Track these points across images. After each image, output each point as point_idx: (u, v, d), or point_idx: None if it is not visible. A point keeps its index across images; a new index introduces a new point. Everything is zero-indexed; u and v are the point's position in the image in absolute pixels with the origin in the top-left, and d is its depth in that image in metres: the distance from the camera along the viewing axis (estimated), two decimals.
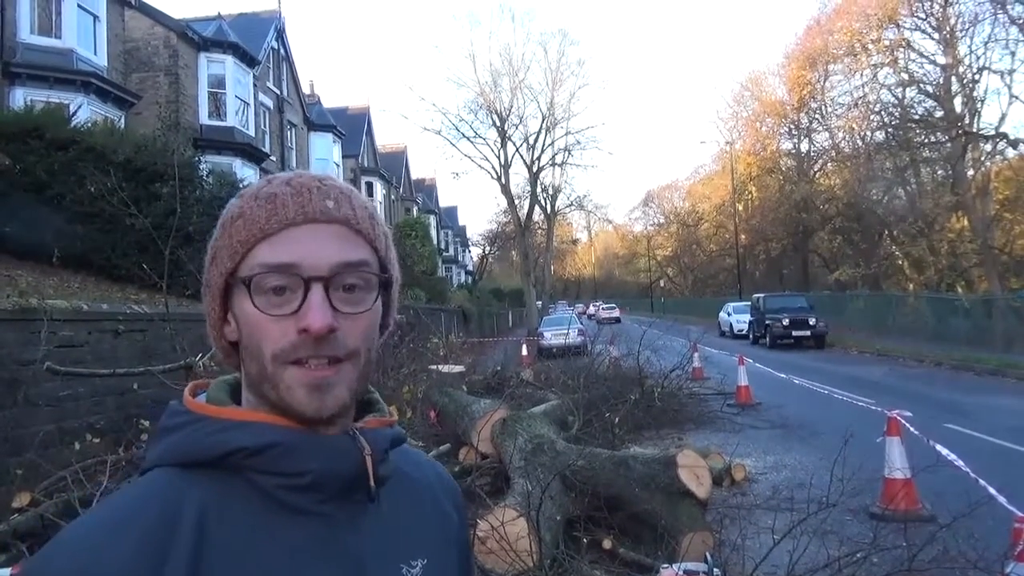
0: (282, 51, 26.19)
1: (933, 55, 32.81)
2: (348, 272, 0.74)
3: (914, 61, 33.62)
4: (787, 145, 46.88)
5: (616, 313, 52.67)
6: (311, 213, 0.75)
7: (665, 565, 3.93)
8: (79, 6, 14.65)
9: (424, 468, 0.91)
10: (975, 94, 30.98)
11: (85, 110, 13.57)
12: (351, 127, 32.96)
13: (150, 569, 0.65)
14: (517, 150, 38.89)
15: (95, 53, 15.27)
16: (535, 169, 39.14)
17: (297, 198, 0.75)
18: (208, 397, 0.80)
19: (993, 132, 30.54)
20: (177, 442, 0.74)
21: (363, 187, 32.75)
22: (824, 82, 39.51)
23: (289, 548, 0.71)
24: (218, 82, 19.82)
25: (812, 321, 23.20)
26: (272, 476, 0.73)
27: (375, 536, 0.77)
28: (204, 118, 19.44)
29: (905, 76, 33.77)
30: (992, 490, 4.76)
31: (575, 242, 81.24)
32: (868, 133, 36.96)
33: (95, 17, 15.35)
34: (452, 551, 0.88)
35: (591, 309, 55.83)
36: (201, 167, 11.94)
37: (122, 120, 15.20)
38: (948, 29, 31.02)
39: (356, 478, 0.75)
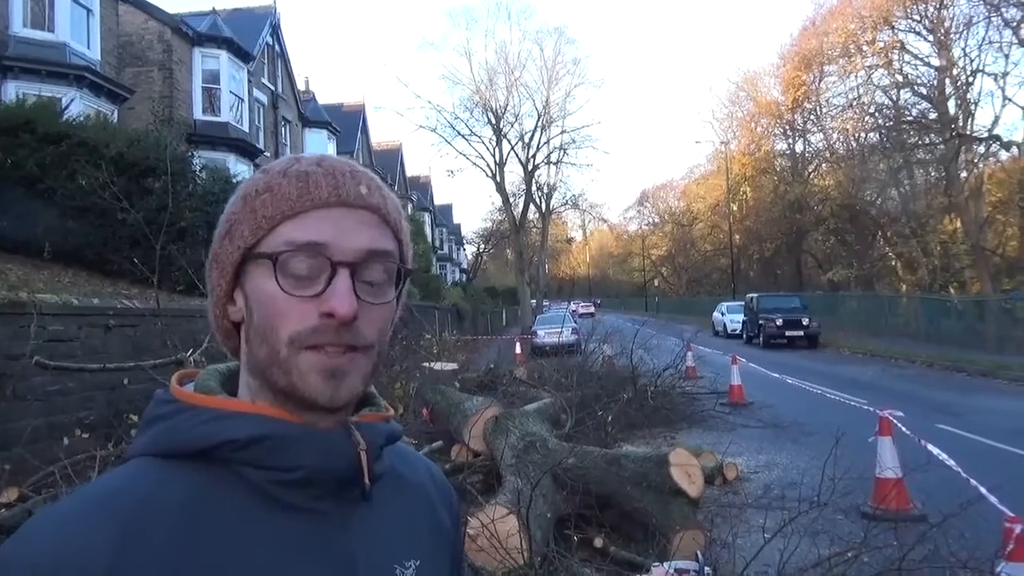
0: (277, 47, 26.11)
1: (927, 57, 32.99)
2: (375, 261, 0.72)
3: (908, 63, 33.80)
4: (782, 146, 47.09)
5: (591, 310, 60.27)
6: (344, 196, 0.72)
7: (656, 563, 3.92)
8: (72, 0, 14.57)
9: (418, 468, 0.88)
10: (969, 96, 31.14)
11: (78, 104, 13.48)
12: (346, 124, 32.91)
13: (126, 557, 0.62)
14: (512, 148, 38.93)
15: (88, 47, 15.20)
16: (530, 167, 39.15)
17: (330, 179, 0.72)
18: (197, 386, 0.76)
19: (986, 134, 30.73)
20: (163, 432, 0.71)
21: None
22: (819, 83, 39.63)
23: (277, 545, 0.68)
24: (212, 77, 19.75)
25: (805, 321, 23.29)
26: (262, 470, 0.69)
27: (367, 535, 0.74)
28: (198, 113, 19.38)
29: (899, 78, 33.92)
30: (983, 490, 4.76)
31: (570, 241, 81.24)
32: (862, 134, 37.13)
33: (88, 11, 15.28)
34: (445, 554, 0.85)
35: (572, 306, 58.65)
36: (195, 162, 11.90)
37: (115, 114, 15.13)
38: (942, 31, 31.13)
39: (350, 474, 0.72)
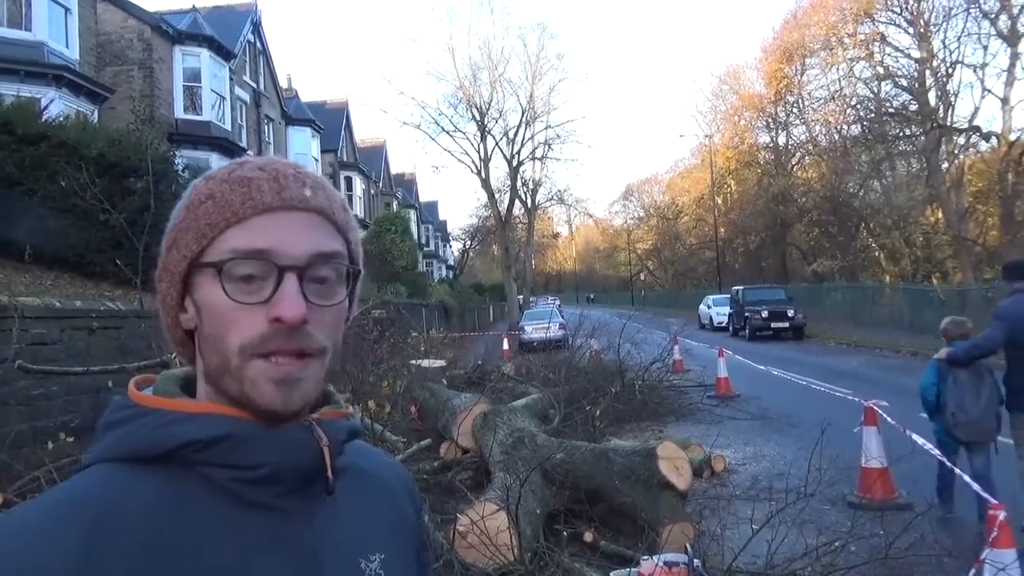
0: (258, 44, 25.91)
1: (908, 49, 33.29)
2: (322, 263, 0.72)
3: (889, 55, 34.11)
4: (765, 138, 47.35)
5: (557, 303, 61.38)
6: (288, 199, 0.72)
7: (646, 557, 3.93)
8: None
9: (379, 464, 0.89)
10: (949, 88, 31.44)
11: (57, 104, 13.33)
12: (330, 121, 32.70)
13: (92, 566, 0.61)
14: (497, 144, 38.78)
15: (67, 46, 15.01)
16: (515, 163, 39.04)
17: (273, 183, 0.72)
18: (156, 389, 0.76)
19: (966, 125, 30.97)
20: (123, 436, 0.70)
21: (342, 182, 32.55)
22: (801, 76, 39.88)
23: (243, 543, 0.68)
24: (193, 76, 19.56)
25: (790, 313, 23.42)
26: (226, 469, 0.69)
27: (332, 530, 0.75)
28: (179, 112, 19.19)
29: (880, 70, 34.19)
30: (967, 478, 4.82)
31: (556, 236, 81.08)
32: (844, 126, 37.40)
33: (66, 10, 15.08)
34: (409, 546, 0.86)
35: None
36: (177, 162, 11.80)
37: (95, 114, 14.96)
38: (922, 23, 31.40)
39: (314, 470, 0.73)
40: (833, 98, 36.75)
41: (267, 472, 0.70)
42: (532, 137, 39.25)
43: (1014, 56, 28.12)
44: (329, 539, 0.74)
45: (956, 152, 32.30)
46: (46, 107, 12.42)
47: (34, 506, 0.67)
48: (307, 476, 0.73)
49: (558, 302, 60.12)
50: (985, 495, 4.16)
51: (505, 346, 19.19)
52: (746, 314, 24.21)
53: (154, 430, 0.70)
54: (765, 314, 23.42)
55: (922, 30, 31.41)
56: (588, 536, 4.73)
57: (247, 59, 24.51)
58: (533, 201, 42.66)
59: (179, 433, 0.69)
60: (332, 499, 0.75)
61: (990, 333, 5.31)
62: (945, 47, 31.09)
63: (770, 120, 45.16)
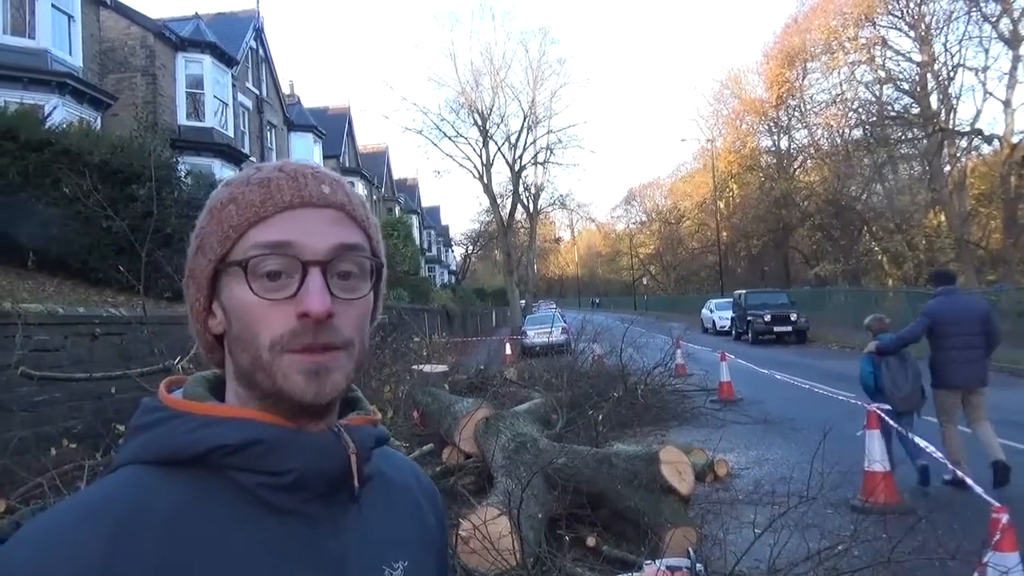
0: (261, 51, 26.00)
1: (909, 53, 33.31)
2: (345, 256, 0.73)
3: (891, 59, 34.13)
4: (767, 142, 47.34)
5: (554, 307, 61.38)
6: (307, 197, 0.73)
7: (648, 561, 3.93)
8: (53, 6, 14.45)
9: (404, 470, 0.89)
10: (950, 91, 31.45)
11: (60, 111, 13.36)
12: (332, 127, 32.79)
13: (116, 568, 0.62)
14: (499, 149, 38.88)
15: (70, 53, 15.08)
16: (517, 168, 39.13)
17: (292, 183, 0.74)
18: (186, 393, 0.76)
19: (968, 128, 30.98)
20: (153, 439, 0.71)
21: None
22: (802, 80, 39.86)
23: (268, 549, 0.69)
24: (196, 82, 19.62)
25: (793, 317, 23.40)
26: (254, 474, 0.70)
27: (357, 537, 0.75)
28: (182, 119, 19.25)
29: (882, 74, 34.21)
30: (969, 481, 4.82)
31: (558, 241, 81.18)
32: (846, 130, 37.40)
33: (70, 17, 15.16)
34: (431, 553, 0.86)
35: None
36: (180, 168, 11.83)
37: (98, 121, 15.02)
38: (923, 27, 31.42)
39: (341, 477, 0.73)
40: (835, 102, 36.78)
41: (294, 478, 0.70)
42: (534, 142, 39.41)
43: (1016, 59, 28.13)
44: (354, 546, 0.74)
45: (958, 155, 32.30)
46: (49, 114, 12.46)
47: (60, 509, 0.68)
48: (334, 483, 0.73)
49: (554, 306, 60.37)
50: (988, 498, 4.15)
51: (507, 351, 19.20)
52: (748, 318, 24.19)
53: (183, 434, 0.70)
54: (768, 318, 23.40)
55: (923, 34, 31.44)
56: (590, 541, 4.73)
57: (249, 65, 24.60)
58: (535, 206, 42.73)
59: (208, 437, 0.69)
60: (358, 505, 0.76)
61: (914, 326, 6.56)
62: (947, 50, 31.17)
63: (772, 124, 45.16)
